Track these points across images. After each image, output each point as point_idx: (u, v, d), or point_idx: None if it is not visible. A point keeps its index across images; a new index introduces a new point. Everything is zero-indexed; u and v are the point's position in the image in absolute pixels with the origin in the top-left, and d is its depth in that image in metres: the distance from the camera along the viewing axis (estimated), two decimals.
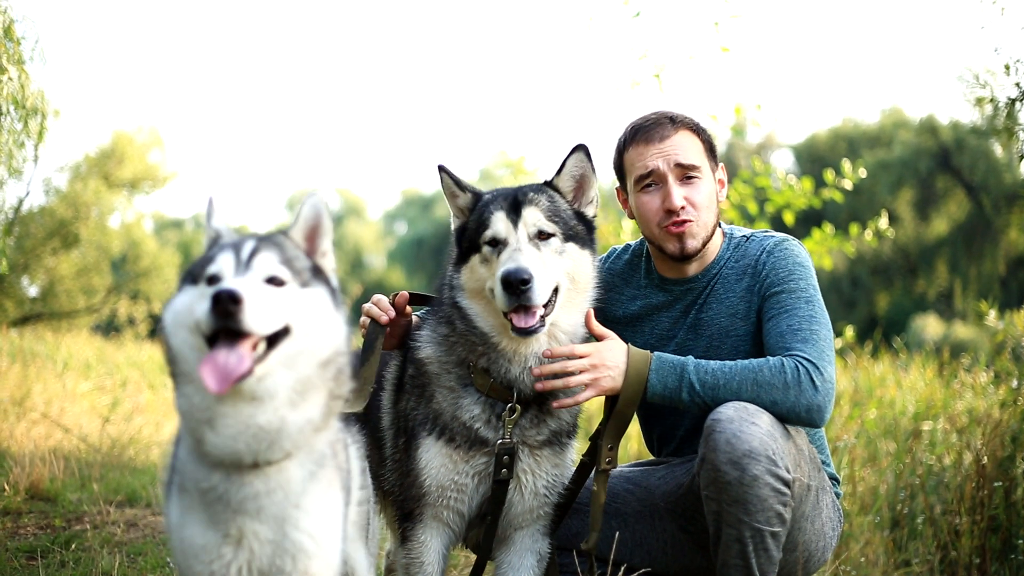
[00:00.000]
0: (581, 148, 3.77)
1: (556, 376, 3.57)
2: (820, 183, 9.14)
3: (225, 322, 2.37)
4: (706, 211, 3.98)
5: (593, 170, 3.83)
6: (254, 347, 2.43)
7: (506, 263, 3.45)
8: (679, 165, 3.95)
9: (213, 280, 2.50)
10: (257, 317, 2.40)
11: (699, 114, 4.29)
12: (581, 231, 3.74)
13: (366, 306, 3.99)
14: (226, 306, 2.35)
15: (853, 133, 39.01)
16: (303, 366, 2.53)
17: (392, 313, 3.93)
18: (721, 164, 4.19)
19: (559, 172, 3.79)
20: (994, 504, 5.68)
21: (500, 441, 3.63)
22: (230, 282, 2.44)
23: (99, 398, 11.14)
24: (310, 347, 2.53)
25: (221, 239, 2.70)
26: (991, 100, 7.57)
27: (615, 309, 4.22)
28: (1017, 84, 6.97)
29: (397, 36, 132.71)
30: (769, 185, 8.94)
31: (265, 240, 2.62)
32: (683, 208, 3.93)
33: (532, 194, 3.68)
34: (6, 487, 6.53)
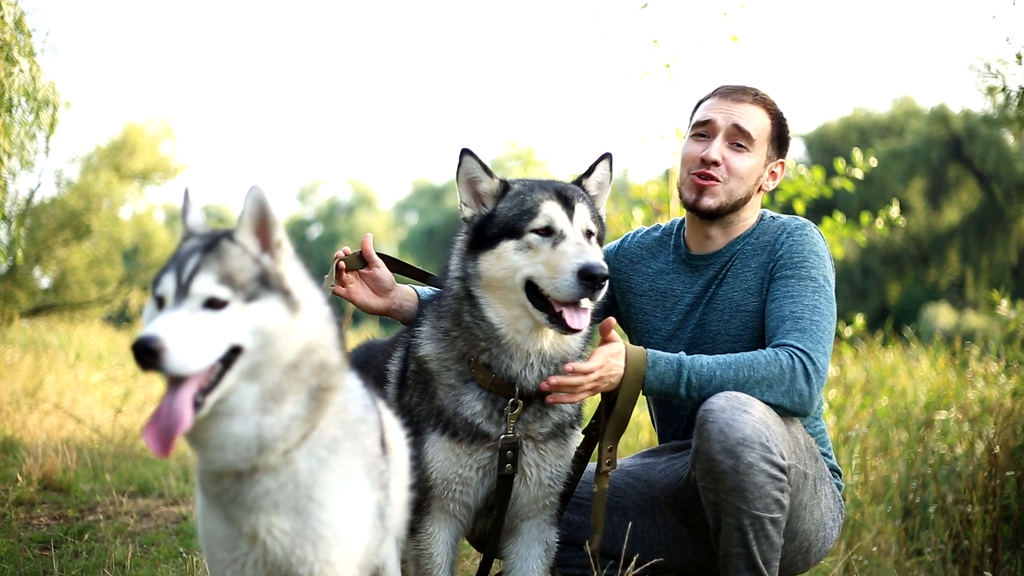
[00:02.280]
0: (608, 157, 3.78)
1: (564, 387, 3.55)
2: (831, 172, 9.11)
3: (151, 370, 2.32)
4: (738, 181, 3.99)
5: (611, 180, 3.84)
6: (206, 378, 2.38)
7: (581, 255, 3.37)
8: (735, 126, 3.97)
9: (161, 303, 2.46)
10: (187, 356, 2.32)
11: None
12: (603, 236, 3.73)
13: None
14: (144, 359, 2.30)
15: (864, 122, 38.93)
16: (266, 376, 2.48)
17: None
18: (782, 160, 4.20)
19: (588, 175, 3.78)
20: (1006, 493, 5.68)
21: (503, 436, 3.61)
22: (154, 325, 2.37)
23: (111, 389, 11.16)
24: (268, 358, 2.46)
25: (189, 240, 2.61)
26: (1003, 89, 7.57)
27: (641, 282, 4.24)
28: None
29: (408, 27, 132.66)
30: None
31: (208, 254, 2.48)
32: (716, 164, 3.95)
33: (579, 191, 3.65)
34: (19, 478, 6.55)
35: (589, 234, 3.54)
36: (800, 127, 41.14)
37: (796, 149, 39.59)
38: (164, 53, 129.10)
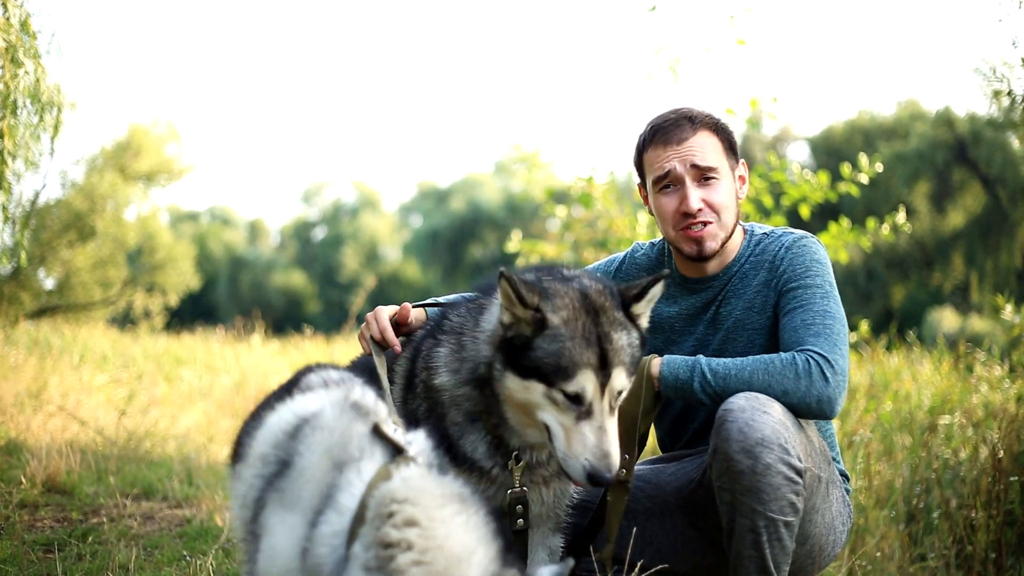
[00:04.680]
0: (664, 278, 3.47)
1: None
2: (836, 176, 9.12)
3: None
4: (726, 212, 3.98)
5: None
6: None
7: (596, 451, 3.16)
8: (695, 167, 3.94)
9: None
10: None
11: (715, 107, 4.25)
12: (644, 341, 3.48)
13: (368, 330, 3.95)
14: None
15: (869, 125, 38.87)
16: None
17: (398, 348, 3.85)
18: (742, 161, 4.18)
19: (641, 295, 3.42)
20: (1010, 498, 5.67)
21: (510, 491, 3.53)
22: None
23: (115, 391, 11.16)
24: None
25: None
26: (1008, 93, 7.57)
27: None
28: None
29: (414, 28, 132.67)
30: (785, 179, 8.93)
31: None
32: (700, 211, 3.93)
33: (621, 343, 3.28)
34: (23, 480, 6.55)
35: (620, 394, 3.28)
36: (805, 130, 41.20)
37: (800, 152, 39.63)
38: (169, 55, 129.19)
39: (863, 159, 8.95)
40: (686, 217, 3.95)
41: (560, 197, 11.01)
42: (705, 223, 3.94)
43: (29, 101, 7.35)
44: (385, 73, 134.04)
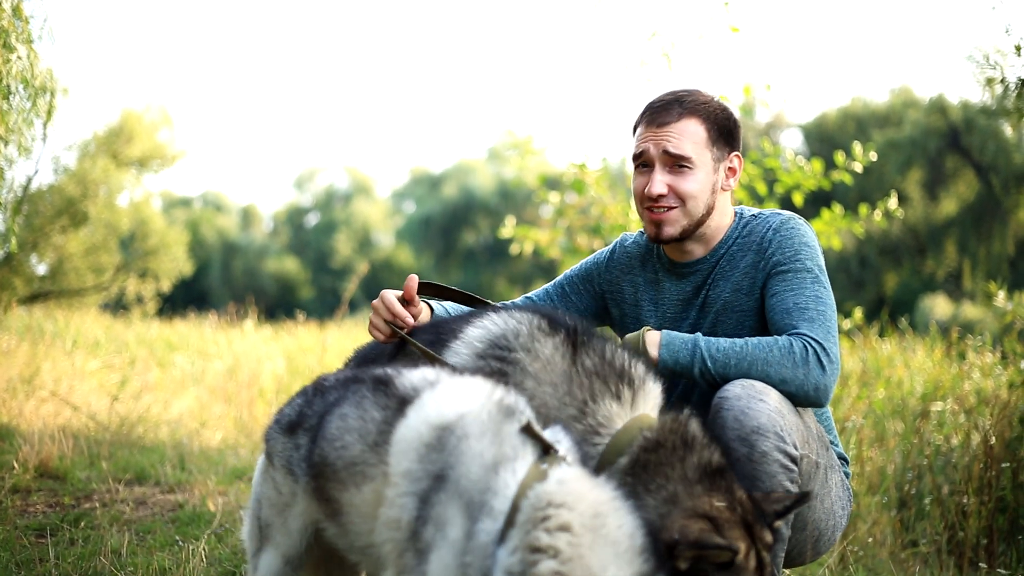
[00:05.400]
0: None
1: None
2: (830, 163, 9.10)
3: None
4: (693, 201, 3.92)
5: None
6: None
7: None
8: (667, 153, 3.90)
9: None
10: None
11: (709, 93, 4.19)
12: None
13: (380, 320, 3.83)
14: None
15: (862, 112, 38.87)
16: None
17: (410, 320, 3.79)
18: (735, 153, 4.11)
19: (784, 514, 3.12)
20: (1002, 485, 5.69)
21: None
22: None
23: (108, 376, 11.16)
24: None
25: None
26: (1001, 80, 7.57)
27: (632, 291, 4.21)
28: None
29: (406, 14, 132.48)
30: (778, 166, 8.91)
31: None
32: (662, 196, 3.90)
33: (769, 560, 3.01)
34: (15, 465, 6.55)
35: None
36: (798, 117, 41.18)
37: (794, 139, 39.64)
38: (162, 40, 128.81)
39: (857, 147, 8.94)
40: (649, 199, 3.94)
41: (553, 183, 10.98)
42: (668, 208, 3.93)
43: (21, 86, 7.34)
44: (378, 58, 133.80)
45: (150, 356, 13.69)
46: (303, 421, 3.14)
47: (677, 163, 3.91)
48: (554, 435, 2.72)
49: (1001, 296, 7.59)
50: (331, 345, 13.85)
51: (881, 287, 36.17)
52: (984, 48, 8.52)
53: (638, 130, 4.06)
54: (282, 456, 3.16)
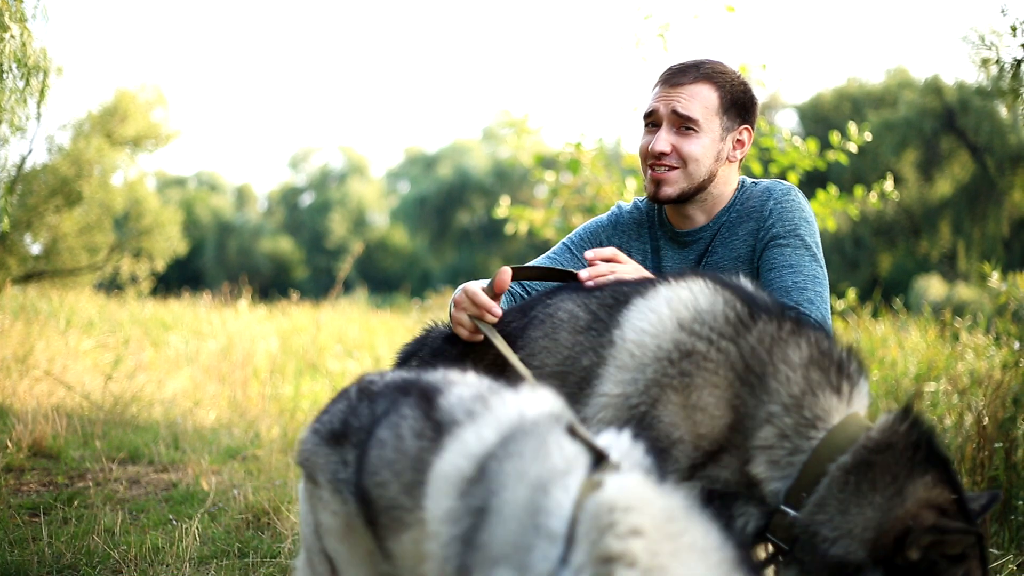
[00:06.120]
0: None
1: None
2: (825, 144, 9.09)
3: None
4: (695, 164, 3.92)
5: None
6: None
7: None
8: (675, 113, 3.90)
9: None
10: None
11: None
12: None
13: (464, 315, 3.58)
14: None
15: (858, 93, 38.88)
16: None
17: (498, 311, 3.51)
18: (745, 126, 4.07)
19: (986, 509, 2.95)
20: (994, 465, 5.70)
21: None
22: None
23: (102, 355, 11.16)
24: None
25: None
26: (997, 61, 7.55)
27: (636, 258, 4.17)
28: (1023, 45, 6.93)
29: None
30: (774, 146, 8.90)
31: None
32: (665, 154, 3.90)
33: None
34: (9, 444, 6.55)
35: None
36: (794, 98, 41.12)
37: (789, 119, 39.59)
38: (157, 20, 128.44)
39: (852, 128, 8.93)
40: (652, 156, 3.94)
41: (548, 163, 10.96)
42: (670, 167, 3.92)
43: (15, 65, 7.31)
44: (373, 38, 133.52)
45: (144, 336, 13.69)
46: (349, 433, 2.74)
47: (684, 124, 3.90)
48: (617, 440, 2.36)
49: (995, 277, 7.59)
50: (325, 325, 13.85)
51: (875, 268, 36.22)
52: (980, 29, 8.52)
53: (654, 90, 4.05)
54: (327, 471, 2.75)
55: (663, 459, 2.85)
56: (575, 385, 3.14)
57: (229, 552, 4.78)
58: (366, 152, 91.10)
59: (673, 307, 3.05)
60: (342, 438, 2.74)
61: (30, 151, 19.36)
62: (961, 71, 57.26)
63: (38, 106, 7.97)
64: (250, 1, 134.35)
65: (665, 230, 4.16)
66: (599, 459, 2.22)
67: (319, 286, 45.12)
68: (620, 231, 4.26)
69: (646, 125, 4.03)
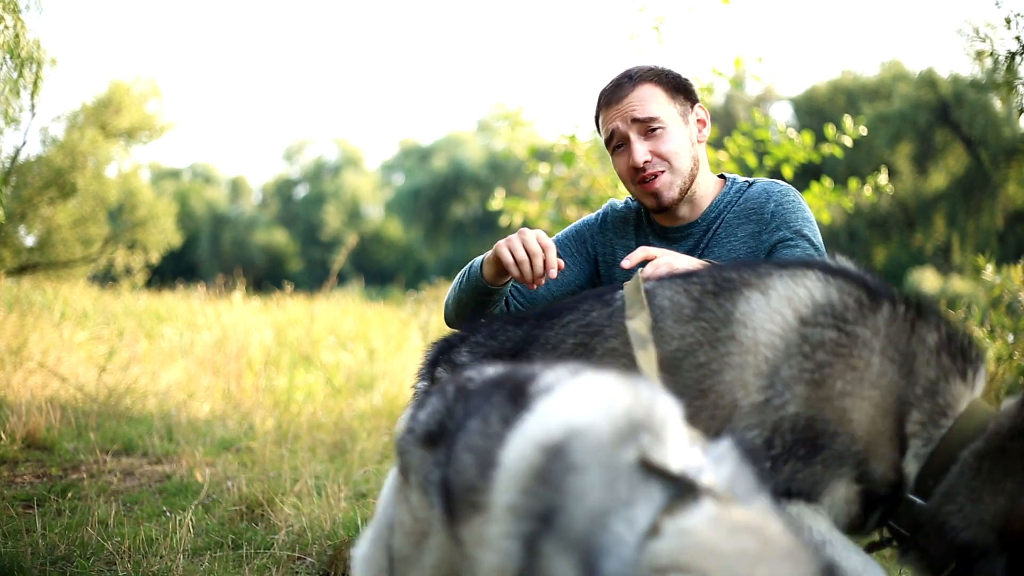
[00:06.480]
0: None
1: None
2: (820, 137, 9.08)
3: None
4: (676, 158, 3.93)
5: None
6: None
7: None
8: (636, 120, 3.90)
9: None
10: None
11: (699, 67, 4.18)
12: None
13: (523, 256, 3.56)
14: None
15: (852, 86, 38.88)
16: None
17: (553, 272, 3.56)
18: (698, 104, 4.11)
19: None
20: None
21: None
22: None
23: (96, 347, 11.13)
24: None
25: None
26: (991, 54, 7.55)
27: (624, 256, 4.19)
28: (1017, 38, 6.94)
29: None
30: (769, 138, 8.88)
31: None
32: (648, 162, 3.90)
33: None
34: (3, 436, 6.54)
35: None
36: (788, 90, 41.19)
37: (784, 112, 39.59)
38: (151, 11, 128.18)
39: (847, 121, 8.92)
40: (637, 172, 3.93)
41: (543, 155, 10.94)
42: (656, 174, 3.92)
43: (8, 57, 7.30)
44: (368, 30, 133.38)
45: (138, 328, 13.66)
46: (444, 433, 2.46)
47: (649, 127, 3.92)
48: (712, 455, 1.96)
49: (989, 270, 7.59)
50: (319, 317, 13.84)
51: (870, 260, 36.21)
52: (974, 21, 8.49)
53: (601, 118, 4.08)
54: (419, 473, 2.51)
55: (824, 460, 2.70)
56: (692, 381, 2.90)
57: (223, 543, 4.77)
58: (360, 144, 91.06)
59: (792, 302, 2.88)
60: (438, 439, 2.49)
61: (24, 143, 19.35)
62: (956, 64, 57.38)
63: (32, 97, 7.96)
64: None
65: (653, 228, 4.16)
66: (687, 488, 1.82)
67: (313, 278, 45.05)
68: (606, 229, 4.27)
69: (613, 150, 4.05)
